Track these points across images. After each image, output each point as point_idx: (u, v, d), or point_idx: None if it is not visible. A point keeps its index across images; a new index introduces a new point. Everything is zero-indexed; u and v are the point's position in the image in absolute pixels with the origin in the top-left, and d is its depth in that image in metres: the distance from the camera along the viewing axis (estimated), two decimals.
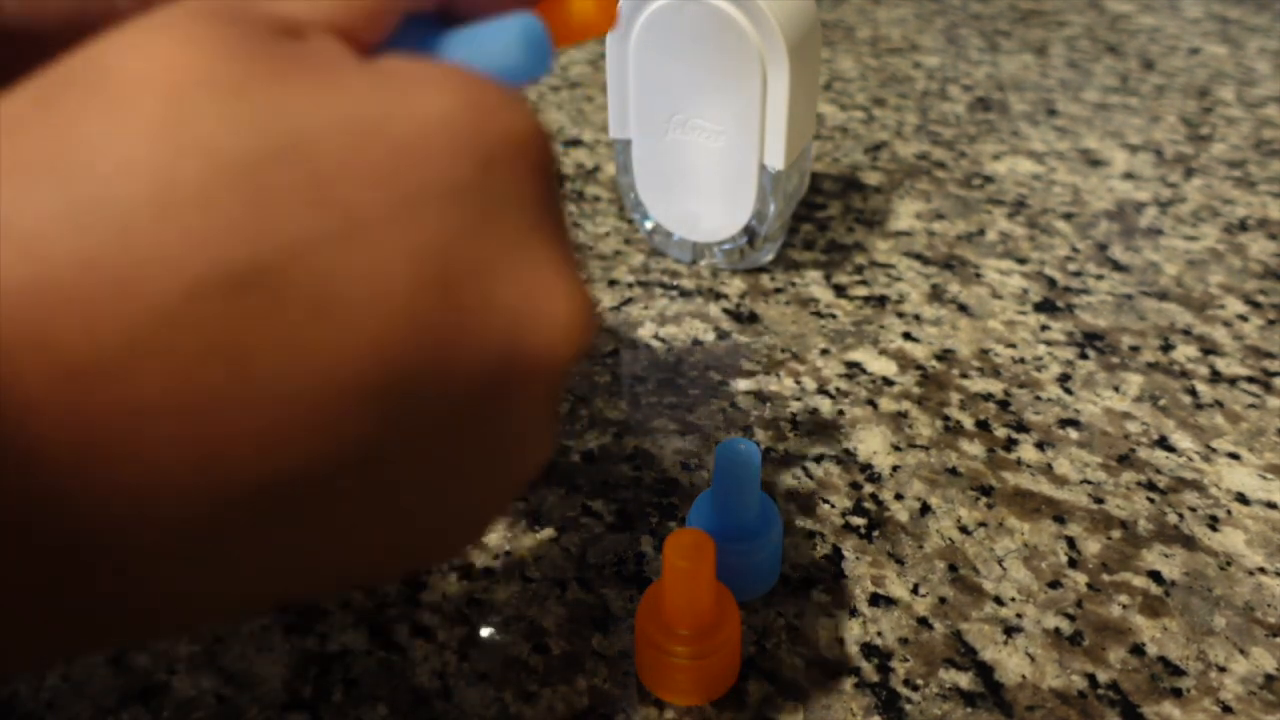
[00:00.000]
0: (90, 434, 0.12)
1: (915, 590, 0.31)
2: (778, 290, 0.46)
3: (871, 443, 0.36)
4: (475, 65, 0.18)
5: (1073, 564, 0.31)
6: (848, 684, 0.28)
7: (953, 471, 0.35)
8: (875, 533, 0.33)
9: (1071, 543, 0.32)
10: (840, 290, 0.46)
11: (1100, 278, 0.47)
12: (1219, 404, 0.38)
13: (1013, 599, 0.30)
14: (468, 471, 0.16)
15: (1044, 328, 0.43)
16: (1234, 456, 0.36)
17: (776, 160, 0.42)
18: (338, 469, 0.14)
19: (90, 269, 0.12)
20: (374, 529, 0.16)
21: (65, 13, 0.24)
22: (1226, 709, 0.27)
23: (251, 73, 0.14)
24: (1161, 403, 0.39)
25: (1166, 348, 0.42)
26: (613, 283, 0.46)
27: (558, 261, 0.16)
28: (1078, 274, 0.47)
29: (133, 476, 0.13)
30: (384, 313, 0.14)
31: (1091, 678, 0.28)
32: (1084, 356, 0.41)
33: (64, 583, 0.13)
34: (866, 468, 0.35)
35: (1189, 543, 0.32)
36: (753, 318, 0.44)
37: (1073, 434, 0.37)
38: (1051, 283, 0.46)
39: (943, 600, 0.30)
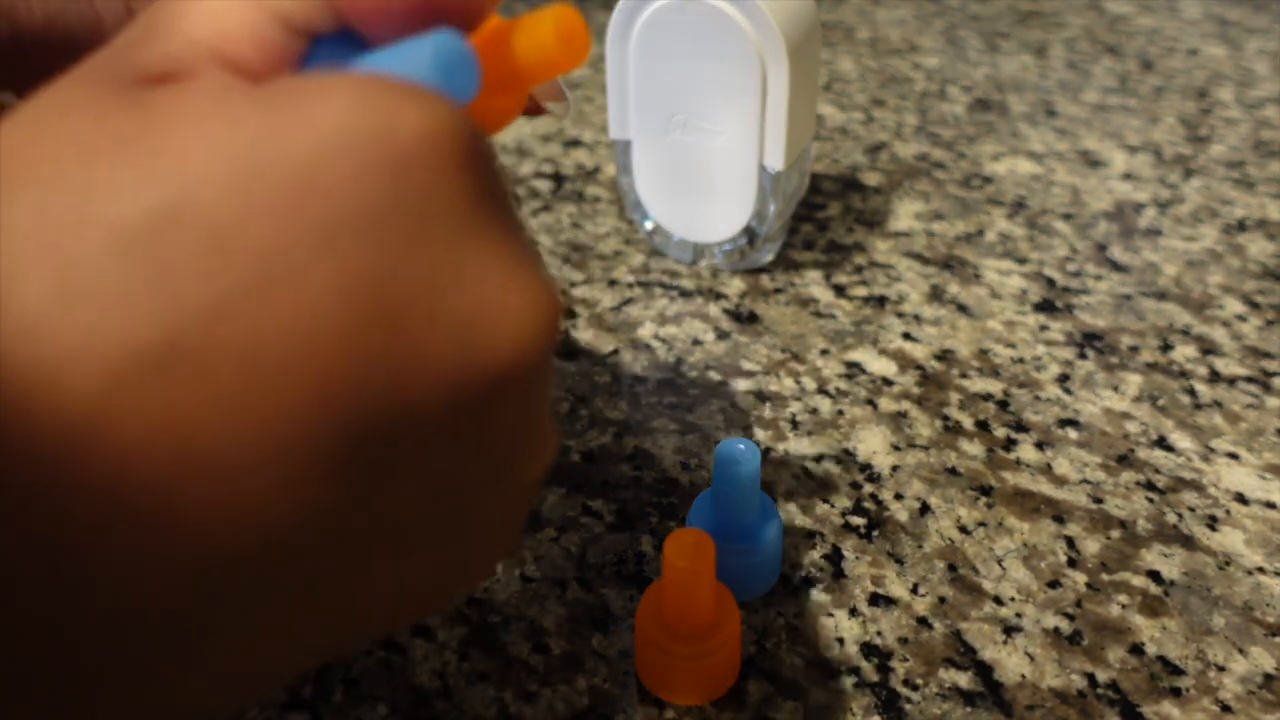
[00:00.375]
0: (39, 540, 0.12)
1: (915, 590, 0.31)
2: (778, 290, 0.46)
3: (871, 443, 0.36)
4: None
5: (1072, 564, 0.31)
6: (848, 684, 0.28)
7: (952, 471, 0.35)
8: (875, 532, 0.33)
9: (1071, 542, 0.32)
10: (840, 290, 0.46)
11: (1099, 278, 0.47)
12: (1218, 404, 0.39)
13: (1012, 599, 0.30)
14: (467, 492, 0.16)
15: (1043, 328, 0.43)
16: (1233, 456, 0.36)
17: (776, 161, 0.42)
18: (319, 523, 0.13)
19: (1, 378, 0.12)
20: (384, 575, 0.15)
21: (46, 13, 0.24)
22: (1226, 708, 0.27)
23: (128, 134, 0.13)
24: (1160, 403, 0.39)
25: (1165, 348, 0.42)
26: (613, 283, 0.46)
27: (503, 256, 0.15)
28: (1077, 274, 0.47)
29: (96, 570, 0.12)
30: (323, 358, 0.13)
31: (1091, 677, 0.28)
32: (1083, 356, 0.41)
33: (53, 685, 0.13)
34: (866, 468, 0.35)
35: (1188, 542, 0.32)
36: (753, 318, 0.44)
37: (1072, 434, 0.37)
38: (1051, 283, 0.46)
39: (942, 600, 0.30)
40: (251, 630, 0.14)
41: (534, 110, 0.26)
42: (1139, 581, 0.31)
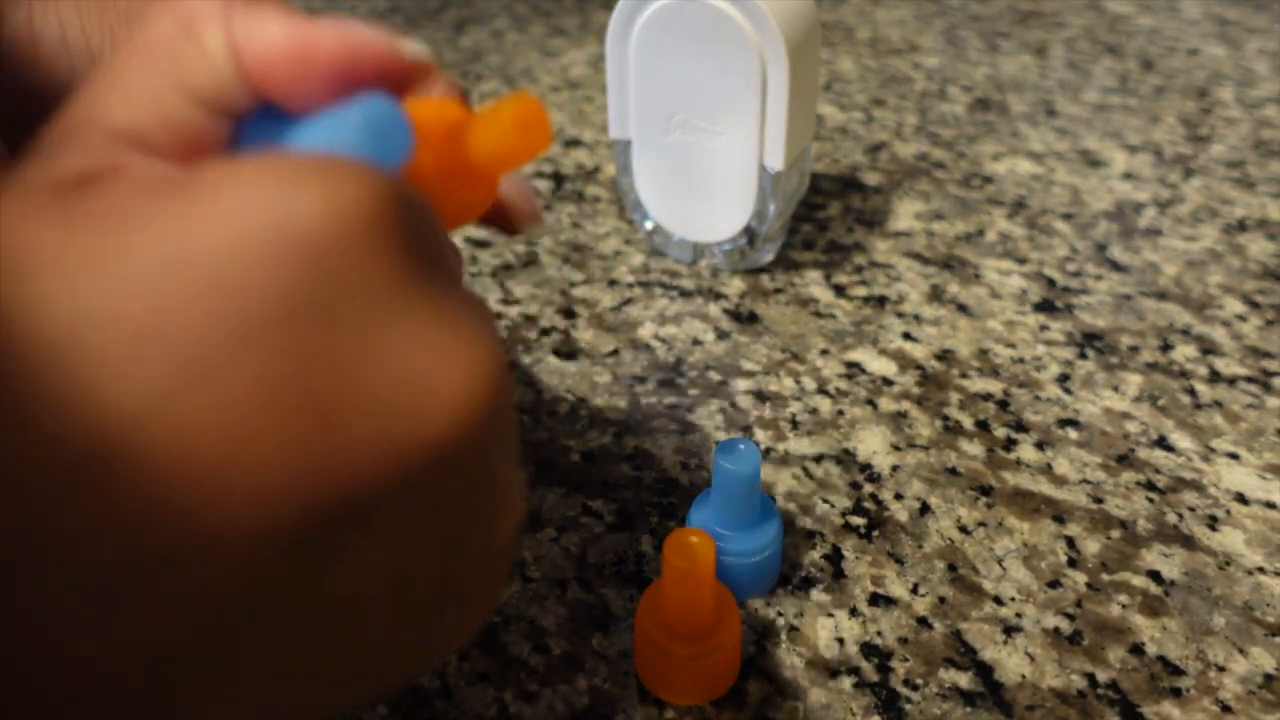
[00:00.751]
0: None
1: (915, 590, 0.31)
2: (778, 290, 0.46)
3: (871, 443, 0.36)
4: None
5: (1072, 564, 0.31)
6: (847, 684, 0.28)
7: (952, 471, 0.35)
8: (875, 533, 0.33)
9: (1071, 542, 0.32)
10: (840, 290, 0.46)
11: (1099, 278, 0.47)
12: (1218, 404, 0.39)
13: (1012, 599, 0.30)
14: (430, 563, 0.16)
15: (1043, 328, 0.43)
16: (1233, 456, 0.36)
17: (776, 161, 0.42)
18: (273, 606, 0.14)
19: None
20: (355, 647, 0.15)
21: (53, 73, 0.24)
22: (1226, 708, 0.27)
23: (51, 247, 0.13)
24: (1161, 403, 0.39)
25: (1165, 348, 0.42)
26: (613, 283, 0.46)
27: (433, 326, 0.15)
28: (1077, 274, 0.47)
29: (44, 669, 0.12)
30: (254, 452, 0.13)
31: (1091, 677, 0.28)
32: (1083, 356, 0.41)
33: None
34: (866, 468, 0.35)
35: (1188, 542, 0.32)
36: (753, 318, 0.44)
37: (1072, 434, 0.37)
38: (1051, 283, 0.46)
39: (942, 600, 0.30)
40: (214, 707, 0.14)
41: (506, 226, 0.25)
42: (1139, 581, 0.31)
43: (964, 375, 0.40)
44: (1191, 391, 0.39)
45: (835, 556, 0.32)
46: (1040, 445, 0.36)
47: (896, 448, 0.36)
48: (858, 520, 0.33)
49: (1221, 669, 0.28)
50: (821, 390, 0.39)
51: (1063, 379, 0.40)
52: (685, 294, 0.45)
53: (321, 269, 0.14)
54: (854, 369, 0.40)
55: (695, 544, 0.25)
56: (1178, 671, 0.28)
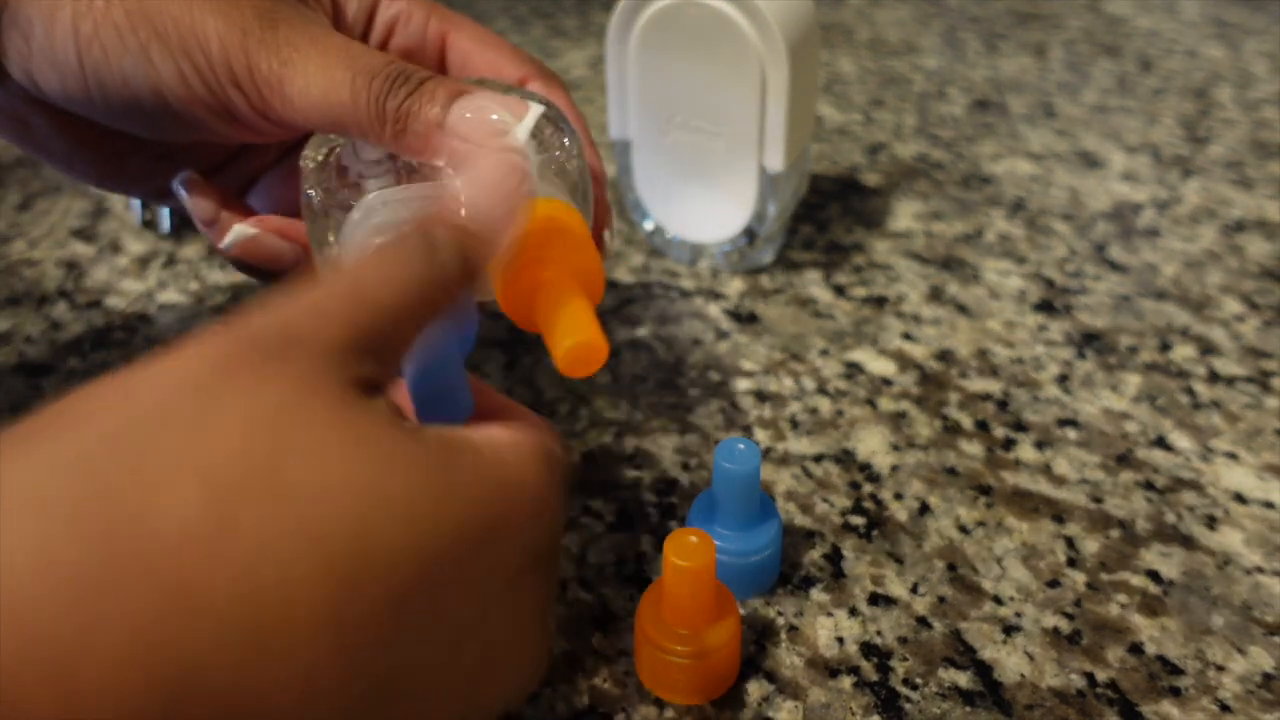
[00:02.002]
0: None
1: (914, 590, 0.31)
2: (777, 290, 0.46)
3: (871, 442, 0.37)
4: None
5: (1071, 563, 0.31)
6: (847, 683, 0.28)
7: (952, 471, 0.35)
8: (875, 532, 0.33)
9: (1070, 542, 0.32)
10: (840, 290, 0.46)
11: (1098, 278, 0.47)
12: (1217, 404, 0.39)
13: (1012, 598, 0.30)
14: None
15: (1042, 328, 0.43)
16: (1232, 456, 0.36)
17: (776, 161, 0.42)
18: None
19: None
20: None
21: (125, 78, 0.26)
22: (1225, 708, 0.27)
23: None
24: (1159, 403, 0.39)
25: (1164, 348, 0.42)
26: (613, 283, 0.46)
27: (522, 631, 0.19)
28: (1076, 274, 0.47)
29: None
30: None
31: (1090, 677, 0.28)
32: (1082, 357, 0.41)
33: None
34: (866, 467, 0.35)
35: (1187, 542, 0.32)
36: (753, 318, 0.44)
37: (1071, 434, 0.37)
38: (1050, 283, 0.46)
39: (942, 599, 0.30)
40: None
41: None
42: (1138, 581, 0.31)
43: (963, 375, 0.40)
44: (1190, 391, 0.39)
45: (835, 556, 0.32)
46: (1039, 445, 0.36)
47: (896, 448, 0.36)
48: (858, 520, 0.33)
49: (1220, 668, 0.28)
50: (821, 390, 0.39)
51: (1062, 379, 0.40)
52: (685, 294, 0.46)
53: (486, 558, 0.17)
54: (854, 369, 0.40)
55: (695, 544, 0.25)
56: (1177, 671, 0.28)
